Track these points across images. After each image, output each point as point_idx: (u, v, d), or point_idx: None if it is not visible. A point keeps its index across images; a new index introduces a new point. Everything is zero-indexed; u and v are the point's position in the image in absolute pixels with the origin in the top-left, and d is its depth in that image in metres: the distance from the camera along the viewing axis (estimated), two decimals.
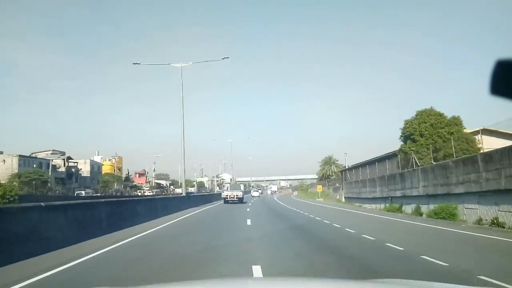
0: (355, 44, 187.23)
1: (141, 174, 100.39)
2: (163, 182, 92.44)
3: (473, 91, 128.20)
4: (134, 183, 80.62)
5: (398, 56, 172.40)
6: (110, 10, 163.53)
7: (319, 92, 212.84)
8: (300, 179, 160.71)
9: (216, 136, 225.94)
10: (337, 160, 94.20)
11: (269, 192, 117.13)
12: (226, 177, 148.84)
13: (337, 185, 47.63)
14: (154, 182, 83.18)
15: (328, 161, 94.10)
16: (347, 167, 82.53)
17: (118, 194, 58.14)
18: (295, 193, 77.15)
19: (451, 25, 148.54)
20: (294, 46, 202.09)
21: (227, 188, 43.09)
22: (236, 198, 37.26)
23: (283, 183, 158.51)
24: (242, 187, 46.07)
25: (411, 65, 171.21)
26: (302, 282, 3.18)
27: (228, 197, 37.67)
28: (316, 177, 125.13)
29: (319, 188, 46.07)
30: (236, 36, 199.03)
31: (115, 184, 63.73)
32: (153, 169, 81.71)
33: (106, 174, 62.09)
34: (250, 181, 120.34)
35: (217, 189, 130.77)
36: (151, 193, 74.04)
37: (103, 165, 67.42)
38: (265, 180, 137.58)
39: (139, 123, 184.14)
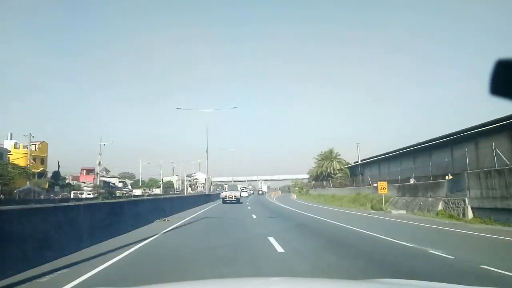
0: (349, 44, 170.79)
1: (90, 171, 76.60)
2: (115, 181, 69.61)
3: (468, 90, 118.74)
4: (68, 181, 57.31)
5: (395, 56, 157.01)
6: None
7: (307, 91, 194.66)
8: (285, 179, 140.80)
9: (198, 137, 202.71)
10: (339, 155, 74.38)
11: (260, 192, 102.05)
12: (200, 176, 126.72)
13: (412, 181, 25.07)
14: (100, 181, 60.43)
15: (329, 156, 73.96)
16: (359, 161, 62.79)
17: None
18: (294, 196, 56.33)
19: (451, 25, 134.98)
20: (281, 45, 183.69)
21: (225, 189, 44.20)
22: (234, 198, 38.68)
23: (263, 184, 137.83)
24: (239, 188, 47.84)
25: (408, 65, 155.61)
26: (303, 282, 3.08)
27: (227, 197, 38.98)
28: (307, 176, 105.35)
29: (383, 188, 22.56)
30: (231, 35, 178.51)
31: (27, 181, 41.15)
32: (98, 163, 58.89)
33: (8, 164, 39.29)
34: (230, 181, 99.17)
35: (188, 190, 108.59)
36: (91, 196, 51.53)
37: (10, 153, 44.03)
38: (247, 181, 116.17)
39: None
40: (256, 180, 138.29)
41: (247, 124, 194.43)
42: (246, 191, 73.62)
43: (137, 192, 73.02)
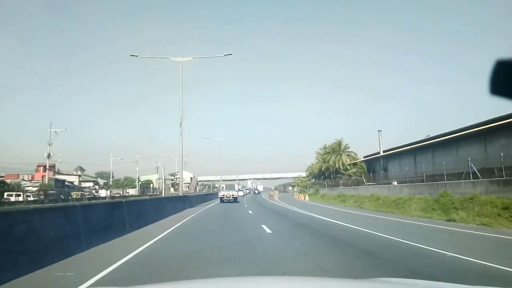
0: (344, 42, 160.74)
1: (48, 167, 61.68)
2: (74, 179, 54.68)
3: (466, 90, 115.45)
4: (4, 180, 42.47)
5: (395, 56, 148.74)
6: None
7: (299, 89, 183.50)
8: (279, 178, 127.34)
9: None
10: (348, 147, 61.12)
11: (255, 192, 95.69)
12: (185, 175, 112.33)
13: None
14: (51, 178, 45.99)
15: (336, 149, 60.61)
16: (381, 152, 49.79)
17: None
18: (305, 197, 42.62)
19: (450, 25, 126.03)
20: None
21: (223, 188, 48.01)
22: (232, 197, 37.97)
23: (249, 183, 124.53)
24: (236, 187, 54.35)
25: (407, 65, 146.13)
26: (303, 281, 2.98)
27: (225, 196, 38.18)
28: (303, 174, 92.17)
29: None
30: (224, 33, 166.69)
31: None
32: (46, 155, 44.55)
33: None
34: (219, 180, 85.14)
35: (171, 190, 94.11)
36: (30, 199, 37.33)
37: None
38: (238, 180, 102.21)
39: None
40: (246, 179, 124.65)
41: (236, 122, 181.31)
42: (242, 191, 69.58)
43: (103, 193, 58.65)
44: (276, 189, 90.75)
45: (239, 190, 52.65)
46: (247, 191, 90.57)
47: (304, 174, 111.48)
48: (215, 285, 2.60)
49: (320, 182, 62.10)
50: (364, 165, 49.55)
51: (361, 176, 48.85)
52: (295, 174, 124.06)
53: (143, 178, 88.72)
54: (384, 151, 46.91)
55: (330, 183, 52.28)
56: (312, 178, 73.09)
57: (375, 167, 48.33)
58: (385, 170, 45.34)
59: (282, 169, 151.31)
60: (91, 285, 5.04)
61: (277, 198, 41.55)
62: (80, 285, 5.15)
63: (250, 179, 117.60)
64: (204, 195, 42.47)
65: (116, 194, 62.42)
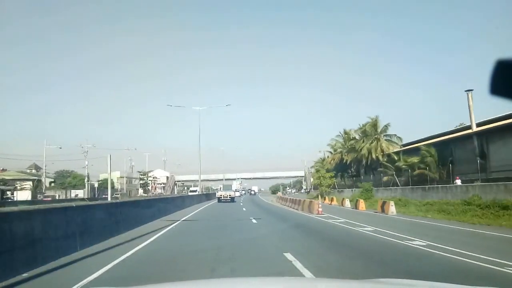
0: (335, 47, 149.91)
1: None
2: None
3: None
4: None
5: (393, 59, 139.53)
6: None
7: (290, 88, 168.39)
8: (274, 177, 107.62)
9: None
10: (388, 127, 41.63)
11: (251, 193, 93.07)
12: (160, 174, 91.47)
13: None
14: None
15: (371, 132, 41.37)
16: (475, 127, 30.29)
17: None
18: (389, 208, 20.89)
19: (450, 25, 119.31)
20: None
21: (221, 189, 43.82)
22: (229, 197, 38.67)
23: (236, 184, 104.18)
24: (233, 188, 49.78)
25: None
26: (303, 282, 2.97)
27: (222, 196, 38.80)
28: (303, 173, 73.00)
29: None
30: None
31: None
32: None
33: None
34: (197, 181, 65.02)
35: (140, 192, 72.96)
36: None
37: None
38: (224, 179, 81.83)
39: None
40: (234, 179, 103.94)
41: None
42: (239, 191, 67.86)
43: (24, 195, 37.64)
44: (277, 191, 71.49)
45: (235, 190, 51.21)
46: (243, 191, 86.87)
47: (302, 173, 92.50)
48: (215, 285, 2.52)
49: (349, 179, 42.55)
50: (434, 152, 30.27)
51: (426, 169, 29.94)
52: (290, 174, 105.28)
53: (103, 176, 67.35)
54: (479, 124, 27.94)
55: (406, 183, 32.70)
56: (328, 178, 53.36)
57: (453, 154, 29.50)
58: (482, 156, 26.52)
59: (274, 168, 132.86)
60: (89, 284, 4.94)
61: (320, 210, 20.19)
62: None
63: (238, 178, 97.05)
64: (154, 201, 20.86)
65: (47, 198, 41.17)
